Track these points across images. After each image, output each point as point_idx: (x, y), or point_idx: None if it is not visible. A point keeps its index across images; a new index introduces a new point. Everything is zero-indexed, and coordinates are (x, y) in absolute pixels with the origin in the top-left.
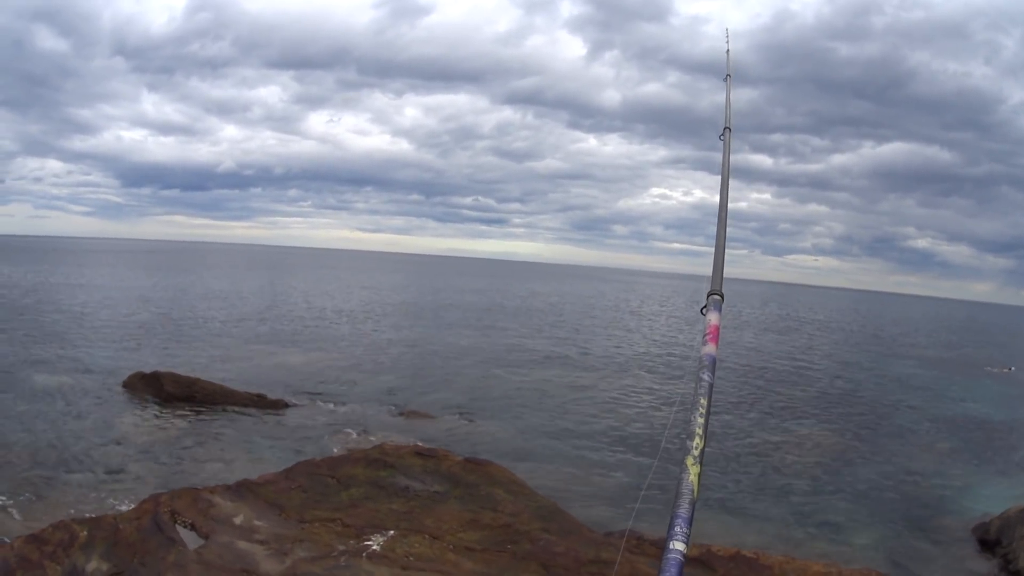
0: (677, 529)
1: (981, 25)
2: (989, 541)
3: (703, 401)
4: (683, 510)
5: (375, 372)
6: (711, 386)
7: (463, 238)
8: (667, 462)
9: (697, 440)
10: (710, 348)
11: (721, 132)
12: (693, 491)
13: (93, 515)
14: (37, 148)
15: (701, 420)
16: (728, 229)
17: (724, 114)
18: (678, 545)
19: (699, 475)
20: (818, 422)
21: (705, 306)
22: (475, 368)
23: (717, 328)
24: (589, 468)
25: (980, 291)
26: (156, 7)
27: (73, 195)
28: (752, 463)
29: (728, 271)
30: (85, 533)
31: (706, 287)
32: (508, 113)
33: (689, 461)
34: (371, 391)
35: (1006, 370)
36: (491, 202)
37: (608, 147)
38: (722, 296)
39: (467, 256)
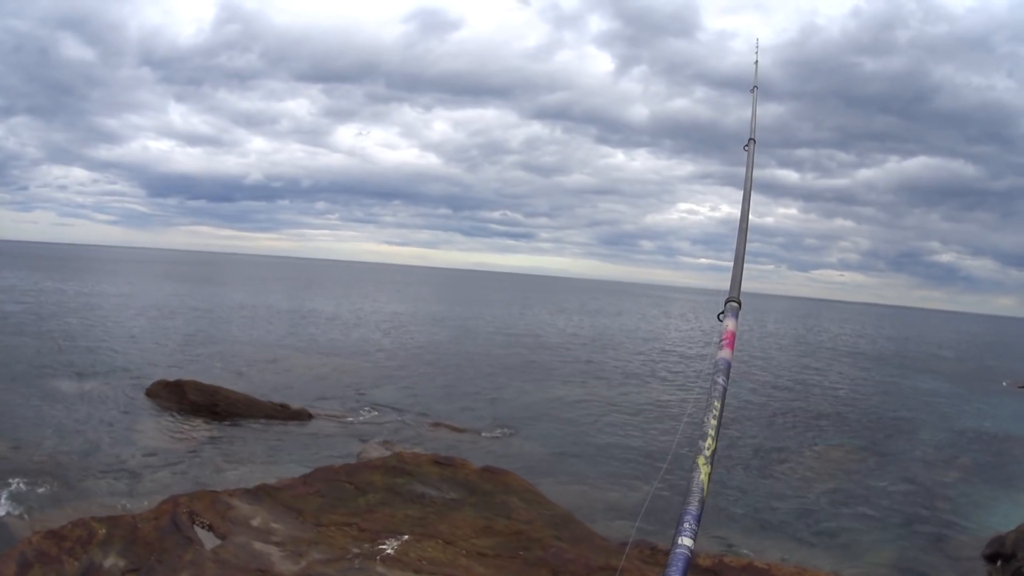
0: (686, 525)
1: (1004, 38)
2: (1004, 555)
3: (716, 404)
4: (692, 507)
5: (398, 383)
6: (725, 390)
7: (490, 252)
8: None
9: (709, 441)
10: (725, 353)
11: (746, 143)
12: (703, 489)
13: (112, 514)
14: (62, 156)
15: (714, 422)
16: (755, 244)
17: (749, 126)
18: (686, 540)
19: (709, 475)
20: (835, 435)
21: (722, 312)
22: (498, 380)
23: (733, 334)
24: (606, 480)
25: (1003, 305)
26: (184, 18)
27: (98, 203)
28: (767, 474)
29: (754, 286)
30: (103, 531)
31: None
32: (536, 128)
33: (700, 461)
34: (393, 402)
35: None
36: (519, 217)
37: (636, 162)
38: (739, 303)
39: (494, 270)
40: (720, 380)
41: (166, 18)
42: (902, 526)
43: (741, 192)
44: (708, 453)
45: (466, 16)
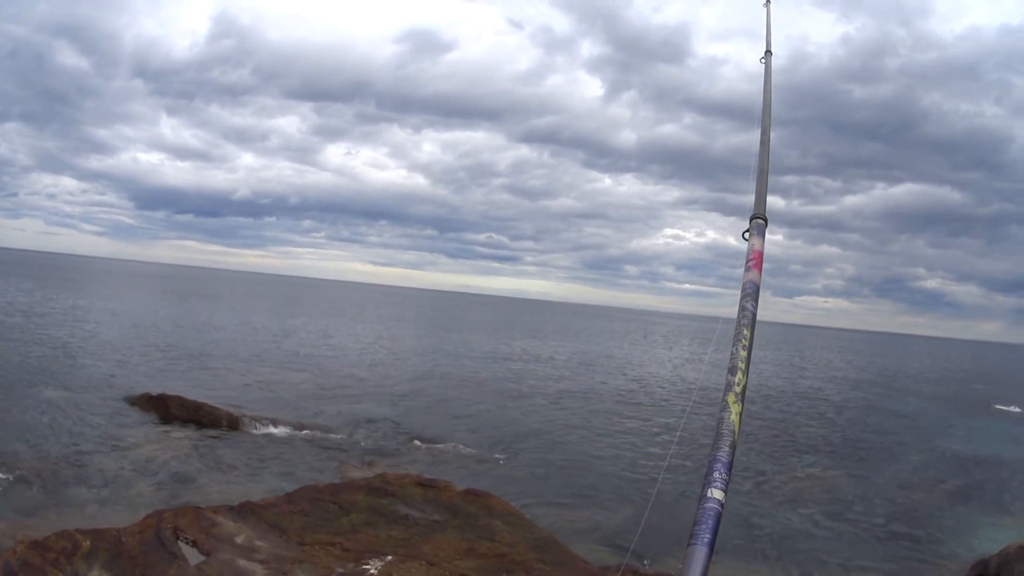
0: (716, 475)
1: (993, 65)
2: None
3: (746, 332)
4: (723, 453)
5: (382, 402)
6: (754, 316)
7: (475, 274)
8: (662, 498)
9: (739, 376)
10: (753, 275)
11: (762, 56)
12: (734, 432)
13: (96, 527)
14: (52, 164)
15: (744, 353)
16: (739, 271)
17: (765, 38)
18: (716, 493)
19: (740, 414)
20: (822, 460)
21: (747, 230)
22: (481, 402)
23: (760, 254)
24: (589, 503)
25: (988, 330)
26: (179, 31)
27: (86, 214)
28: (750, 497)
29: (733, 312)
30: (88, 543)
31: (716, 325)
32: (525, 151)
33: (731, 398)
34: (377, 421)
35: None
36: (504, 239)
37: (623, 187)
38: (766, 220)
39: (477, 293)
40: (749, 305)
41: (161, 30)
42: (886, 549)
43: (728, 218)
44: (739, 389)
45: (459, 38)
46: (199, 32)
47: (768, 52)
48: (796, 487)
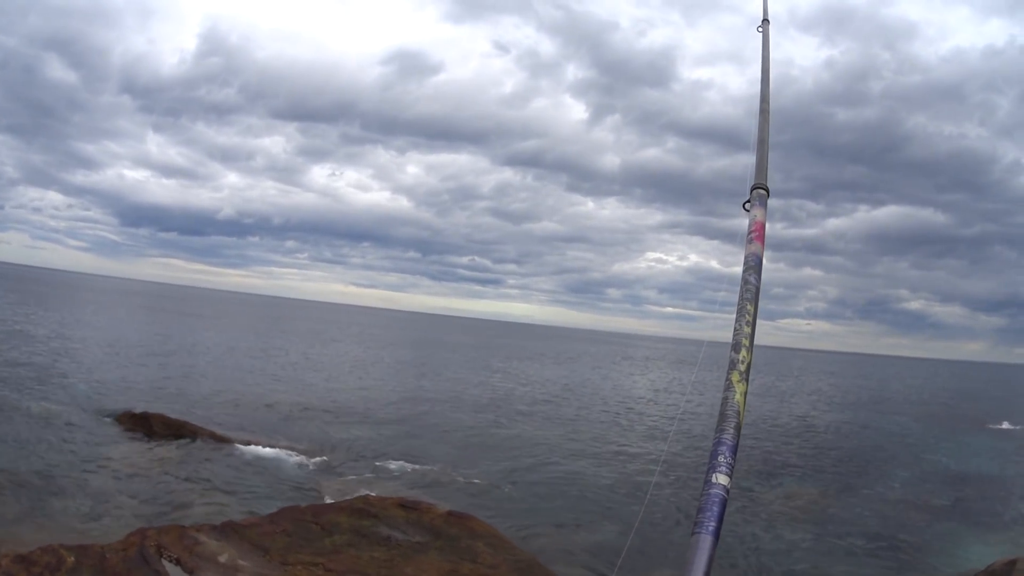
0: (720, 459)
1: (977, 87)
2: None
3: (749, 307)
4: (727, 435)
5: (364, 423)
6: (758, 289)
7: (457, 297)
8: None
9: (743, 353)
10: (756, 247)
11: (759, 25)
12: (739, 413)
13: (80, 543)
14: (39, 178)
15: (748, 329)
16: (722, 294)
17: (762, 7)
18: (721, 479)
19: (745, 394)
20: (808, 478)
21: (748, 201)
22: (464, 423)
23: (763, 225)
24: (573, 526)
25: (972, 350)
26: (168, 48)
27: (71, 229)
28: (740, 518)
29: (716, 335)
30: (72, 559)
31: (698, 348)
32: (508, 174)
33: (735, 377)
34: (359, 442)
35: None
36: (487, 262)
37: (605, 211)
38: (767, 190)
39: (459, 315)
40: (752, 278)
41: (150, 47)
42: (872, 567)
43: (710, 241)
44: (743, 368)
45: (446, 60)
46: (187, 49)
47: (765, 20)
48: (782, 505)
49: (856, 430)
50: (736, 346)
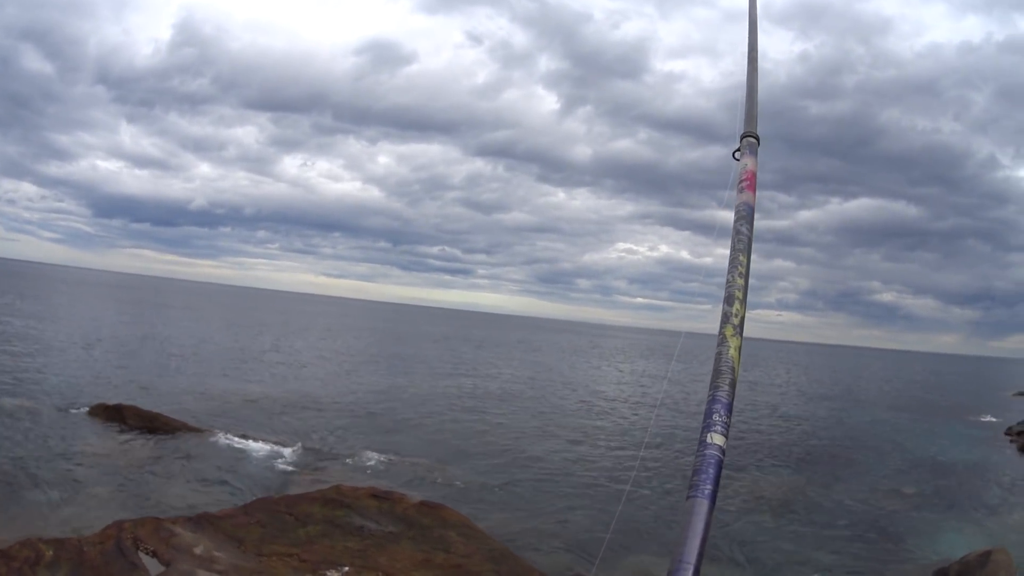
0: (715, 417)
1: (952, 82)
2: None
3: (742, 258)
4: (722, 392)
5: (336, 414)
6: (750, 240)
7: (427, 287)
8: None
9: (737, 306)
10: (747, 196)
11: None
12: (734, 369)
13: (58, 536)
14: (13, 170)
15: (741, 281)
16: (693, 284)
17: None
18: (716, 438)
19: (739, 348)
20: (785, 468)
21: (738, 149)
22: (436, 413)
23: (754, 174)
24: (547, 514)
25: (945, 343)
26: (142, 38)
27: (44, 220)
28: (721, 506)
29: (689, 326)
30: (51, 553)
31: (670, 339)
32: (479, 165)
33: (728, 331)
34: (331, 432)
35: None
36: (457, 252)
37: (576, 201)
38: (757, 138)
39: (430, 305)
40: (743, 229)
41: (125, 37)
42: (846, 557)
43: (681, 232)
44: (736, 321)
45: (419, 51)
46: (162, 40)
47: None
48: (761, 495)
49: (832, 421)
50: (729, 299)
